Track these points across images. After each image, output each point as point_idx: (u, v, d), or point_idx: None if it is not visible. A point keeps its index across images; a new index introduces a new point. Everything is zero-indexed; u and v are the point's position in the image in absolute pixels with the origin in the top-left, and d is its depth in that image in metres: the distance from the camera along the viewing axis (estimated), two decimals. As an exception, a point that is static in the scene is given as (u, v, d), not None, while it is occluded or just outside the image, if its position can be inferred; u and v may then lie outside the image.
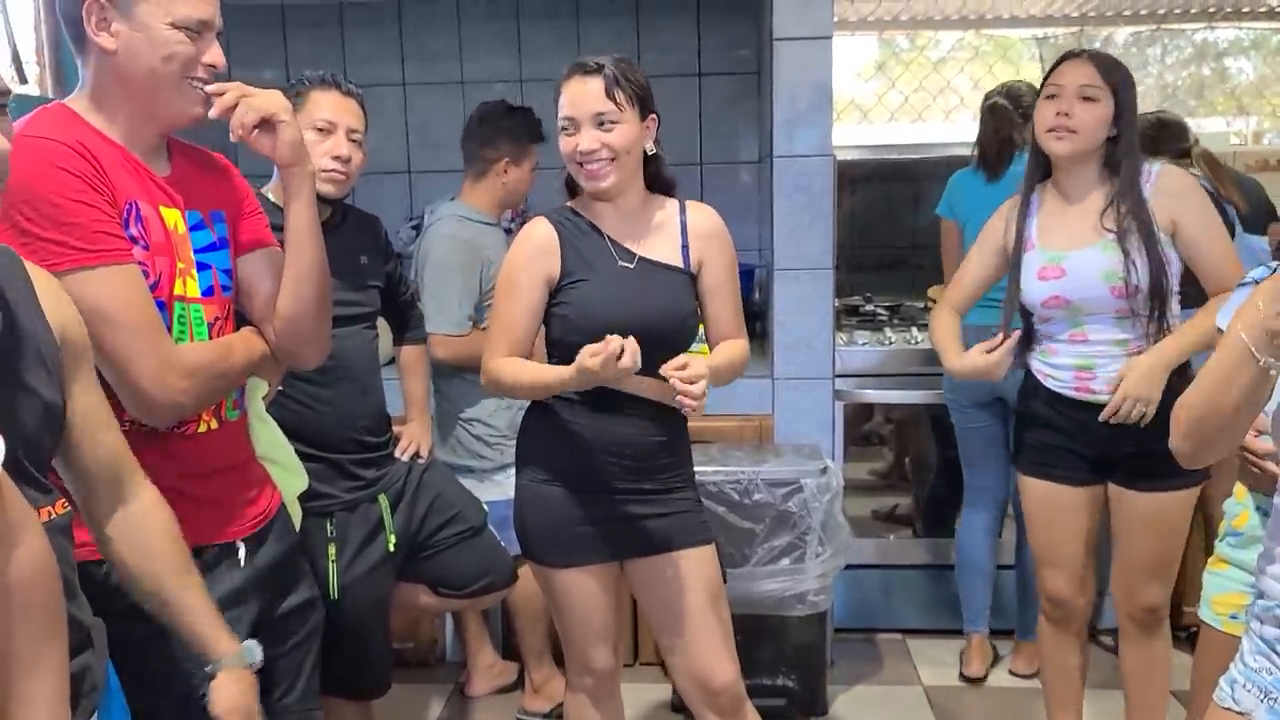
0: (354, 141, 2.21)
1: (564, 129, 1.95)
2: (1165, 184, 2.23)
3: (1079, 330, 2.27)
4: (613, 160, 1.93)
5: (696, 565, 2.05)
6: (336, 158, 2.16)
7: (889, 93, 4.99)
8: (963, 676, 3.20)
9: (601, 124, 1.92)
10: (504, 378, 1.98)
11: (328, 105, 2.18)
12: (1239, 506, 2.00)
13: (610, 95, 1.92)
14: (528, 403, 2.09)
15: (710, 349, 2.08)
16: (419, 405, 2.61)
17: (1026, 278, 2.29)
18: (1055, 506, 2.38)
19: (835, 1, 2.99)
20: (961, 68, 5.08)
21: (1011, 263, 2.33)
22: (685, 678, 2.09)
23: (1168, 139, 3.29)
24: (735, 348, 2.07)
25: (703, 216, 2.08)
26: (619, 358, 1.74)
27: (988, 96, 3.14)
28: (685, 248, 2.04)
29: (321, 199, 2.16)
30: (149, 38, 1.48)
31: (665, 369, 1.80)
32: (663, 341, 1.90)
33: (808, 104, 2.99)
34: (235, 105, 1.57)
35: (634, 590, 2.12)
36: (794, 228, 3.04)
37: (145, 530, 1.37)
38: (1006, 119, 3.04)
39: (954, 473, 3.30)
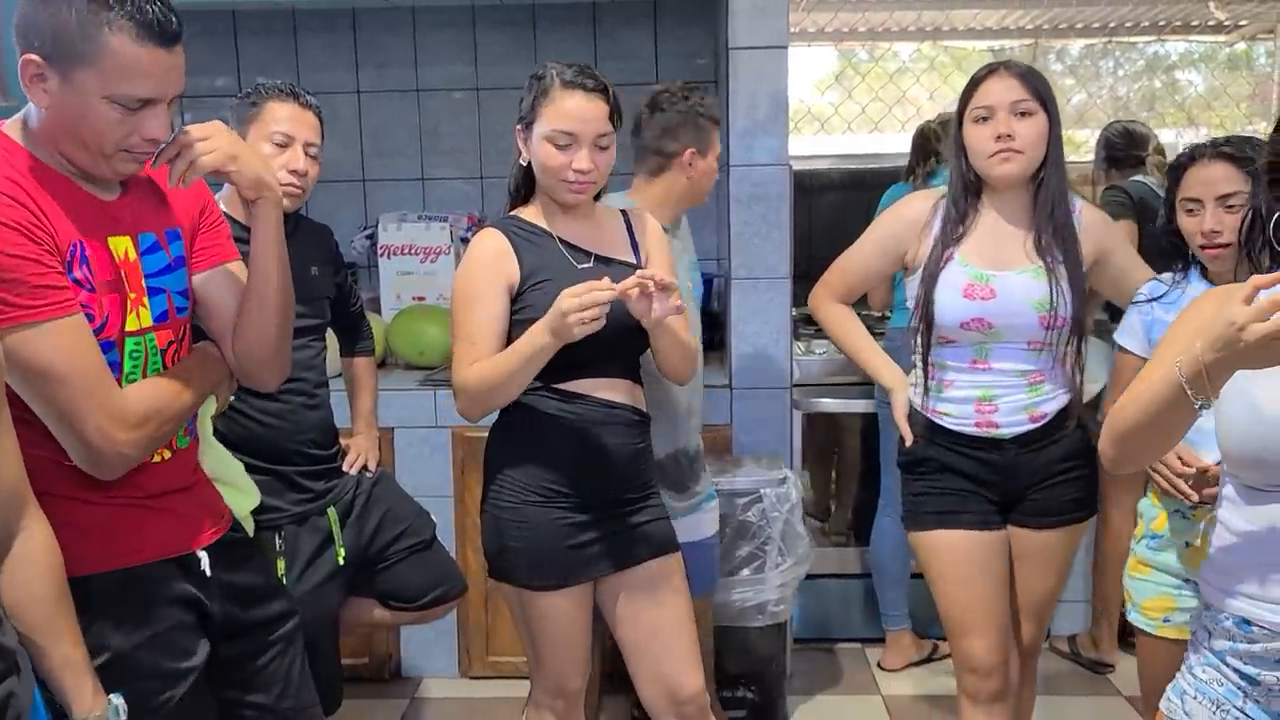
0: (311, 156, 2.18)
1: (558, 142, 1.90)
2: (1089, 222, 2.16)
3: (983, 358, 2.12)
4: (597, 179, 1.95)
5: (670, 573, 2.04)
6: (293, 172, 2.14)
7: (846, 103, 5.01)
8: (880, 665, 3.32)
9: (601, 146, 1.92)
10: (474, 383, 1.90)
11: (285, 117, 2.14)
12: (1156, 510, 2.01)
13: (611, 120, 1.93)
14: None
15: None
16: (365, 418, 2.58)
17: (946, 293, 2.11)
18: (970, 559, 2.13)
19: (793, 12, 2.99)
20: (918, 78, 5.11)
21: (926, 276, 2.15)
22: (653, 687, 2.07)
23: (1132, 148, 3.40)
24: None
25: (644, 217, 2.12)
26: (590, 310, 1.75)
27: (922, 126, 3.42)
28: (634, 245, 2.05)
29: None
30: (81, 107, 1.39)
31: (630, 280, 1.78)
32: (630, 335, 1.90)
33: (764, 114, 2.99)
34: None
35: (604, 602, 2.06)
36: (750, 237, 3.04)
37: (29, 569, 1.30)
38: (934, 140, 3.28)
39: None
